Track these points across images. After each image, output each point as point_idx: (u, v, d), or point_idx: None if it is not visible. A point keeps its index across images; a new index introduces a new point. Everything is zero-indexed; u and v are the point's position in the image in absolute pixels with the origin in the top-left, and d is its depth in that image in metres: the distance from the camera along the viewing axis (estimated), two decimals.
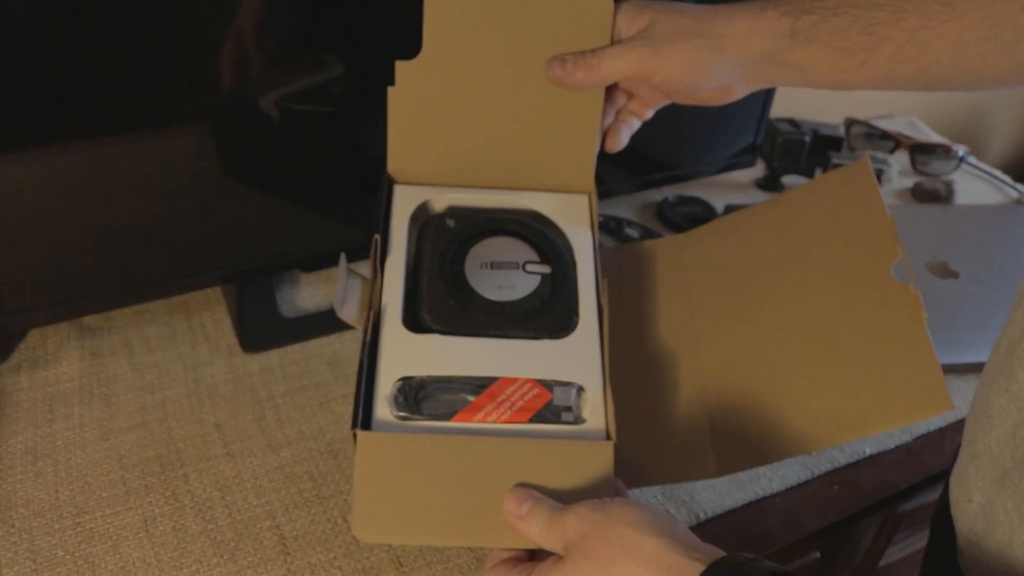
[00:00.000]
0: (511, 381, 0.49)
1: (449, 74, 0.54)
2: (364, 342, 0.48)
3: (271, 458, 0.65)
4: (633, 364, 0.60)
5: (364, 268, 0.54)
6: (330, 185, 0.70)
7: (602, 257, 0.56)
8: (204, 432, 0.66)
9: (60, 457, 0.63)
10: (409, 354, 0.49)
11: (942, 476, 0.72)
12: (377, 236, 0.52)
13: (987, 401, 0.48)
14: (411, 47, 0.54)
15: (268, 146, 0.66)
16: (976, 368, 0.78)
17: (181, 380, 0.70)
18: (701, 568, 0.38)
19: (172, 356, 0.72)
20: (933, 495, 0.78)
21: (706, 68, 0.51)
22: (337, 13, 0.60)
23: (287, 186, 0.68)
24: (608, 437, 0.48)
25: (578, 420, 0.48)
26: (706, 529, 0.64)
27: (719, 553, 0.40)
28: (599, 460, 0.46)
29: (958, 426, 0.75)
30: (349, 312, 0.50)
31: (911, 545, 0.86)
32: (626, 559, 0.40)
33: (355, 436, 0.45)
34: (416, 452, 0.45)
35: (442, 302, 0.52)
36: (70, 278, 0.63)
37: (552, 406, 0.48)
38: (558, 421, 0.48)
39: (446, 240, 0.54)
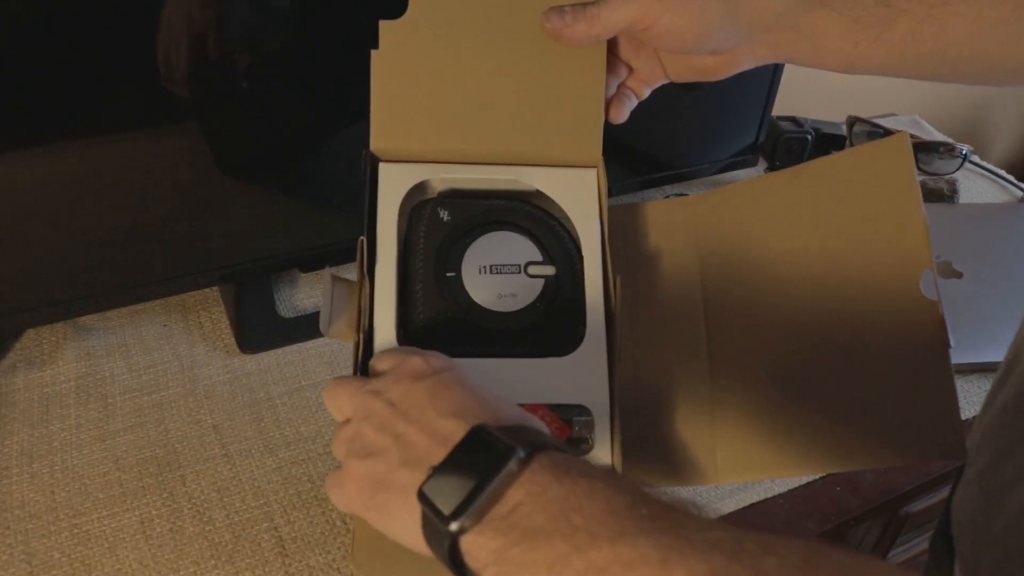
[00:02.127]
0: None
1: (439, 34, 0.49)
2: (355, 372, 0.45)
3: (269, 459, 0.64)
4: (638, 347, 0.57)
5: (354, 271, 0.51)
6: (328, 184, 0.69)
7: (609, 218, 0.52)
8: (201, 433, 0.65)
9: (56, 458, 0.62)
10: None
11: (945, 478, 0.72)
12: (362, 239, 0.47)
13: (998, 430, 0.46)
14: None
15: (265, 144, 0.65)
16: (980, 369, 0.78)
17: (178, 381, 0.70)
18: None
19: (169, 356, 0.72)
20: (936, 497, 0.77)
21: (714, 19, 0.47)
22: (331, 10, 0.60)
23: (285, 185, 0.67)
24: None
25: (592, 448, 0.46)
26: None
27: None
28: None
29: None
30: (337, 330, 0.47)
31: (915, 547, 0.86)
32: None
33: None
34: None
35: (438, 317, 0.48)
36: (66, 277, 0.62)
37: (571, 439, 0.46)
38: (577, 452, 0.46)
39: (440, 237, 0.50)
